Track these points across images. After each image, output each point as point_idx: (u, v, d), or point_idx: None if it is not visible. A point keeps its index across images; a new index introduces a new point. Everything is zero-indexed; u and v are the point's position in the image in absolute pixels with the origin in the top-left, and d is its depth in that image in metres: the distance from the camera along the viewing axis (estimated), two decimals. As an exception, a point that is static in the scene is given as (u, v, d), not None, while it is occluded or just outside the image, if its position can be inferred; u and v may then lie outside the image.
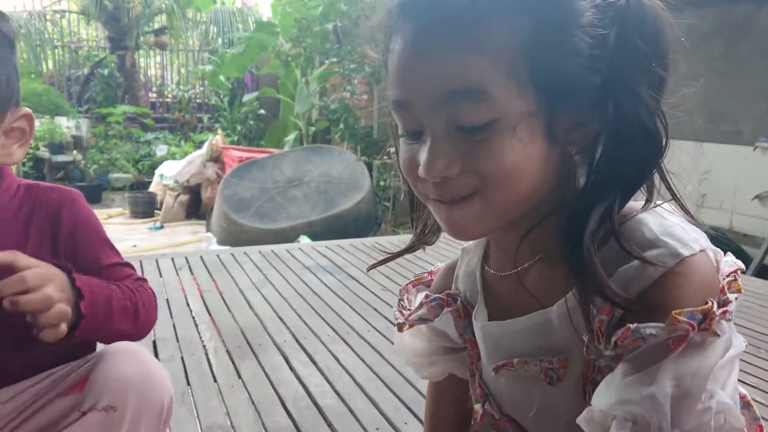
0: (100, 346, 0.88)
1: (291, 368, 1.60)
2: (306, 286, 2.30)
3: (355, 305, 2.09)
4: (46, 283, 0.70)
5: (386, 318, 1.97)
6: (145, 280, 0.91)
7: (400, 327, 0.75)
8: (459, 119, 0.51)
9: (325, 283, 2.33)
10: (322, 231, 4.47)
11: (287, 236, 4.37)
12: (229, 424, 1.32)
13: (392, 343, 1.75)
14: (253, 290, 2.24)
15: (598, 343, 0.52)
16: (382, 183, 5.40)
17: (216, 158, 5.77)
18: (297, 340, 1.78)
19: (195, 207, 5.69)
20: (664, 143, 0.53)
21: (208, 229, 4.88)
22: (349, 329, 1.88)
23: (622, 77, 0.51)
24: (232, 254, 2.75)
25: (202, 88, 8.36)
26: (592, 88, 0.51)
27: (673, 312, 0.48)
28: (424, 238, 0.70)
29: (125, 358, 0.81)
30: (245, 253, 2.78)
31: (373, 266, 0.84)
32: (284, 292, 2.22)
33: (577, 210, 0.54)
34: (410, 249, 0.75)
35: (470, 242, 0.76)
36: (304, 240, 3.86)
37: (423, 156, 0.53)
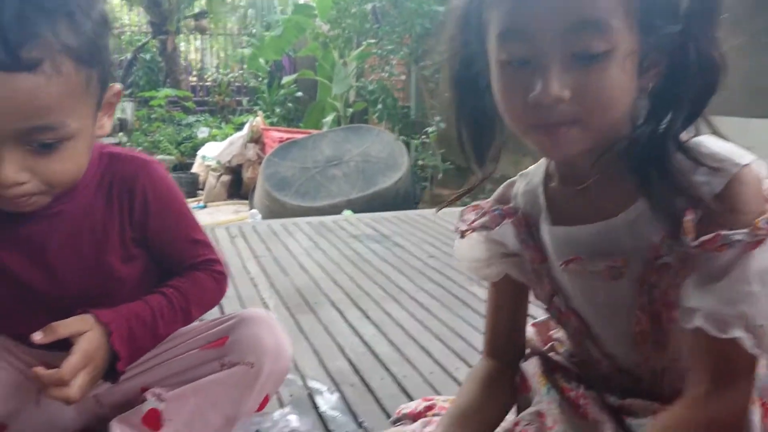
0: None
1: (347, 322, 1.71)
2: (355, 253, 2.40)
3: (403, 270, 2.19)
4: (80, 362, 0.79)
5: (434, 281, 2.06)
6: (214, 261, 0.97)
7: (462, 233, 0.85)
8: (579, 47, 0.60)
9: (373, 251, 2.44)
10: (362, 209, 4.56)
11: (328, 214, 4.49)
12: (294, 367, 1.42)
13: (442, 304, 1.85)
14: (305, 256, 2.36)
15: (683, 239, 0.61)
16: (420, 162, 5.47)
17: (256, 139, 5.91)
18: (351, 299, 1.89)
19: (236, 187, 5.85)
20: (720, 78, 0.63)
21: (252, 207, 5.03)
22: (399, 290, 1.97)
23: (700, 24, 0.61)
24: (282, 225, 2.88)
25: (241, 72, 8.52)
26: (674, 33, 0.61)
27: (756, 220, 0.59)
28: (487, 168, 0.79)
29: (263, 326, 0.93)
30: (294, 223, 2.90)
31: (442, 207, 0.94)
32: (335, 258, 2.33)
33: (648, 133, 0.62)
34: (474, 186, 0.84)
35: (530, 167, 0.85)
36: (348, 213, 3.96)
37: (538, 81, 0.61)
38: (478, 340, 1.49)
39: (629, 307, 0.71)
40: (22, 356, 0.94)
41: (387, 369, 1.43)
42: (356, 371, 1.41)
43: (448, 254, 2.37)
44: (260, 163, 5.17)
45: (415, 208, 5.33)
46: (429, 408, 1.03)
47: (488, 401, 0.86)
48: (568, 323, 0.82)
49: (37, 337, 0.78)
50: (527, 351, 0.93)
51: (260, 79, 7.92)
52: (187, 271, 0.95)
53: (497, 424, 0.85)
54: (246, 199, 5.52)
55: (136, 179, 0.90)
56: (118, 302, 0.89)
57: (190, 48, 9.19)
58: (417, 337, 1.61)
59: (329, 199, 4.77)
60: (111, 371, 0.84)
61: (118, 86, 0.86)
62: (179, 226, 0.95)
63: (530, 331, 0.98)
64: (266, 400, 0.96)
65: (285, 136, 5.68)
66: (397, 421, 1.06)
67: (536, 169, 0.83)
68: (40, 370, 0.78)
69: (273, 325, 0.95)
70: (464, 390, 0.88)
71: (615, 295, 0.72)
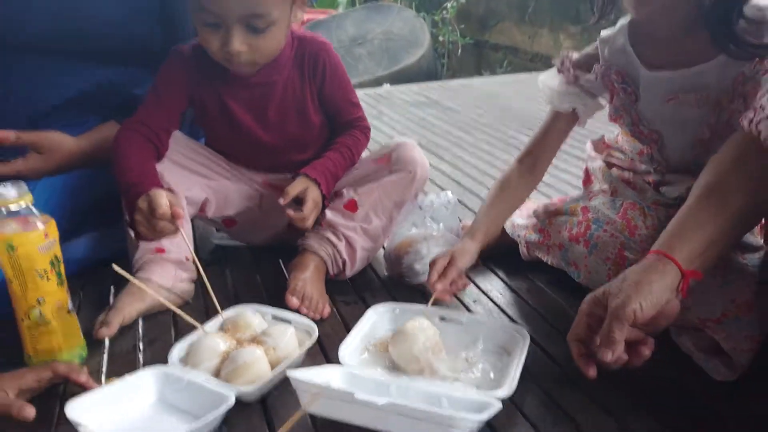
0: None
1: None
2: (417, 117, 2.74)
3: (461, 126, 2.53)
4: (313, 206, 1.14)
5: (488, 134, 2.41)
6: (363, 118, 1.29)
7: (558, 70, 1.20)
8: None
9: (431, 114, 2.76)
10: (389, 86, 4.84)
11: (360, 90, 4.76)
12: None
13: (500, 149, 2.20)
14: (377, 120, 2.68)
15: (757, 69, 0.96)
16: (440, 38, 5.64)
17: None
18: (428, 149, 2.25)
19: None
20: None
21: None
22: (462, 141, 2.33)
23: None
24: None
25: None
26: None
27: None
28: (601, 17, 1.12)
29: (413, 148, 1.26)
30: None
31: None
32: (403, 122, 2.66)
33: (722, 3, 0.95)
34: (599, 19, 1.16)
35: (607, 33, 1.18)
36: (387, 86, 4.23)
37: None
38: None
39: (699, 124, 1.07)
40: (252, 175, 1.31)
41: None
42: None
43: (493, 113, 2.70)
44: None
45: (438, 83, 5.58)
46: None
47: (510, 195, 1.23)
48: (645, 138, 1.18)
49: (282, 201, 1.12)
50: (595, 155, 1.30)
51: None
52: (346, 128, 1.29)
53: (518, 206, 1.24)
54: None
55: (318, 56, 1.23)
56: (308, 143, 1.27)
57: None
58: (487, 171, 1.99)
59: (357, 77, 5.01)
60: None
61: None
62: (344, 91, 1.28)
63: (588, 149, 1.35)
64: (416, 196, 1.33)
65: (306, 17, 5.82)
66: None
67: (614, 35, 1.16)
68: (291, 212, 1.13)
69: (418, 148, 1.30)
70: (496, 185, 1.25)
71: (691, 116, 1.07)
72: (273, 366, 0.93)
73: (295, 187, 1.13)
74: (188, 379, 0.89)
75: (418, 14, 5.53)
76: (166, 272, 1.14)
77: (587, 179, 1.30)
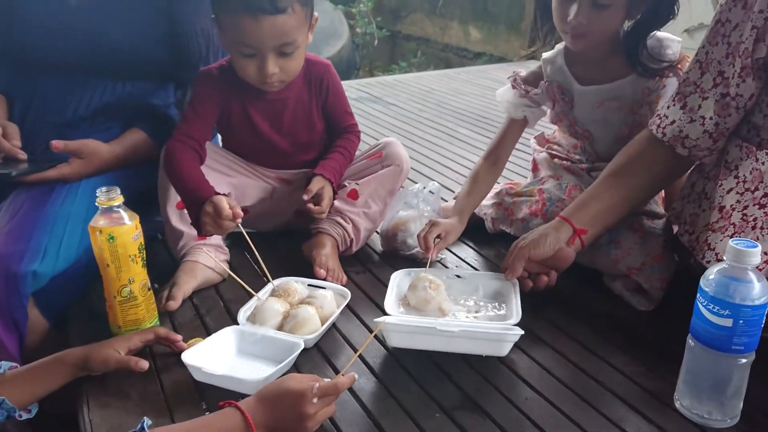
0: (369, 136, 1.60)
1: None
2: (364, 112, 3.00)
3: (404, 120, 2.84)
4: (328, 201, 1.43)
5: (431, 126, 2.74)
6: (355, 124, 1.57)
7: (512, 86, 1.55)
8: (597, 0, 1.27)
9: (376, 110, 3.05)
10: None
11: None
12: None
13: (443, 140, 2.54)
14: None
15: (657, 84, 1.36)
16: (359, 30, 5.92)
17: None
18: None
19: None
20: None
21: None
22: (411, 134, 2.65)
23: None
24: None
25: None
26: None
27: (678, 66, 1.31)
28: (545, 43, 1.47)
29: (399, 146, 1.56)
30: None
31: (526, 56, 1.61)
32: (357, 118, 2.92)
33: (633, 36, 1.32)
34: (538, 48, 1.51)
35: (548, 54, 1.53)
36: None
37: (573, 13, 1.29)
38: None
39: (619, 124, 1.45)
40: (266, 172, 1.57)
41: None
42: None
43: (431, 108, 3.04)
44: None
45: (357, 74, 5.87)
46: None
47: (481, 185, 1.56)
48: (579, 135, 1.54)
49: (305, 197, 1.39)
50: (539, 148, 1.67)
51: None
52: (343, 133, 1.57)
53: (487, 193, 1.59)
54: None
55: (324, 76, 1.50)
56: (313, 146, 1.55)
57: None
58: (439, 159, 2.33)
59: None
60: None
61: (316, 14, 1.42)
62: (341, 103, 1.56)
63: (532, 143, 1.72)
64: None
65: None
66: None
67: (554, 56, 1.52)
68: (311, 206, 1.41)
69: (401, 145, 1.60)
70: (470, 178, 1.58)
71: (614, 119, 1.45)
72: (322, 321, 1.21)
73: (315, 185, 1.41)
74: (262, 333, 1.16)
75: (336, 6, 5.78)
76: (208, 255, 1.39)
77: (535, 167, 1.66)
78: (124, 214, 1.15)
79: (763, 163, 1.12)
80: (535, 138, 1.73)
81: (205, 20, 1.59)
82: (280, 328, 1.19)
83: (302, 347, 1.11)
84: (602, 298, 1.36)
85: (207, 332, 1.24)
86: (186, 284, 1.33)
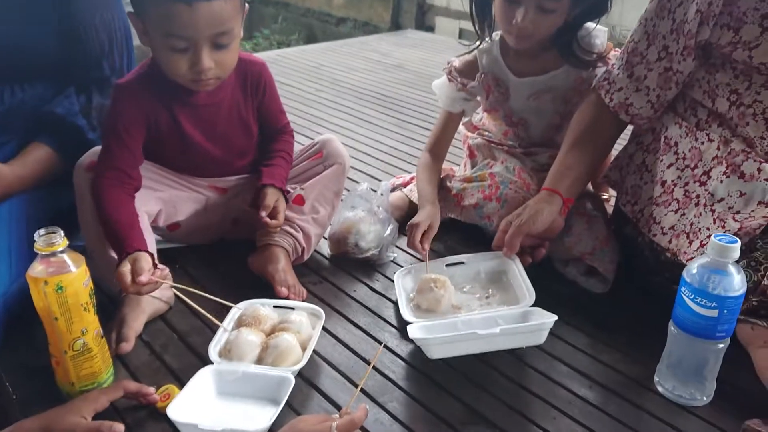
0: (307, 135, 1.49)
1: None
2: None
3: (309, 104, 2.73)
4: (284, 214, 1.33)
5: (340, 110, 2.66)
6: (288, 124, 1.47)
7: (449, 79, 1.55)
8: (544, 5, 1.28)
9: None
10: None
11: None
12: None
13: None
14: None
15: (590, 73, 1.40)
16: None
17: None
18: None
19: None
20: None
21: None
22: (321, 122, 2.55)
23: None
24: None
25: None
26: None
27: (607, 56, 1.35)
28: (482, 40, 1.47)
29: (337, 142, 1.48)
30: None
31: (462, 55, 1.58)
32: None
33: (566, 31, 1.35)
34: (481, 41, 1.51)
35: (484, 46, 1.53)
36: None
37: (519, 16, 1.31)
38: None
39: (552, 113, 1.50)
40: (197, 181, 1.42)
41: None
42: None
43: (327, 88, 2.94)
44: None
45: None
46: (412, 178, 1.75)
47: (433, 173, 1.59)
48: (514, 123, 1.57)
49: (263, 213, 1.29)
50: (471, 134, 1.68)
51: None
52: (278, 134, 1.46)
53: (438, 181, 1.60)
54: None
55: (261, 76, 1.39)
56: (248, 150, 1.44)
57: None
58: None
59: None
60: None
61: (247, 5, 1.30)
62: (276, 103, 1.45)
63: (461, 129, 1.73)
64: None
65: None
66: (394, 190, 1.76)
67: (489, 48, 1.52)
68: (267, 221, 1.30)
69: (338, 141, 1.53)
70: (422, 168, 1.59)
71: (547, 108, 1.50)
72: (302, 347, 1.14)
73: (271, 199, 1.31)
74: (242, 370, 1.07)
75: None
76: (153, 284, 1.25)
77: (471, 154, 1.67)
78: (68, 259, 0.99)
79: (702, 143, 1.21)
80: (463, 124, 1.73)
81: (105, 12, 1.41)
82: (260, 361, 1.11)
83: (293, 382, 1.04)
84: (559, 284, 1.41)
85: (171, 373, 1.13)
86: (135, 321, 1.19)
